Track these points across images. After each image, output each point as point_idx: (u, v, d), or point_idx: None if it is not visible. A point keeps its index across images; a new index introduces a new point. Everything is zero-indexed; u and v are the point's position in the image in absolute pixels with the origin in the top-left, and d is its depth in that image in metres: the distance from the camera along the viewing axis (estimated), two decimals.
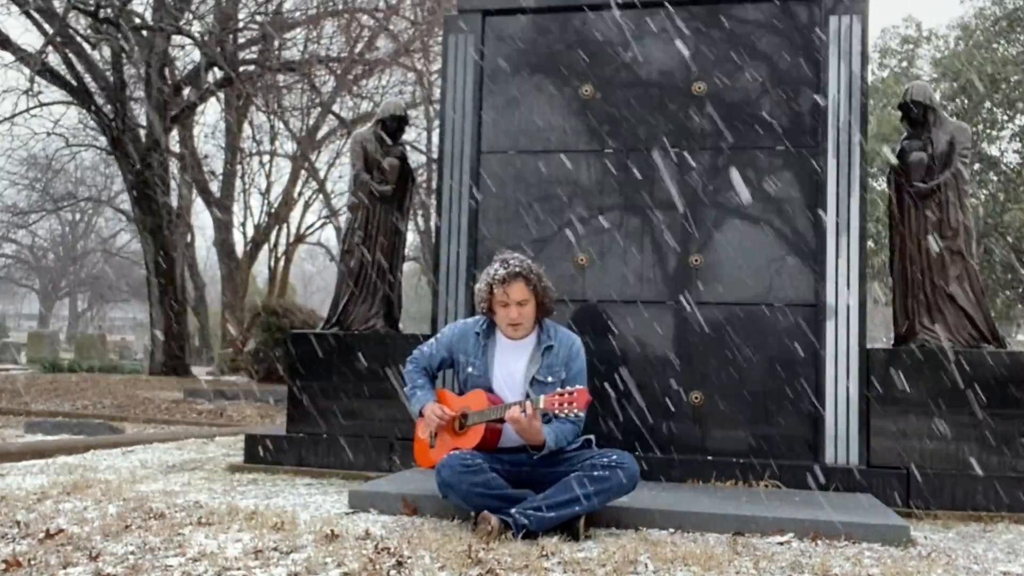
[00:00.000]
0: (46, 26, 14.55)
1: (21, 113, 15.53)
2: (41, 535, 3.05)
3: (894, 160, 4.76)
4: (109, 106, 15.32)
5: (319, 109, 20.19)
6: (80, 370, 16.92)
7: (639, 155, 4.74)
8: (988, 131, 15.21)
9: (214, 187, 21.54)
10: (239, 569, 2.71)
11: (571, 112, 4.85)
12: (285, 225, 23.74)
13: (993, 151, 15.37)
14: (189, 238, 21.96)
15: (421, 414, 3.73)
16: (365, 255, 5.22)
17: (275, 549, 2.93)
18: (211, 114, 38.22)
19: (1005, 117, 15.28)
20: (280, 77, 17.10)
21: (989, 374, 4.29)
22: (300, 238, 25.11)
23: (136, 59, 15.04)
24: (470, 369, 3.72)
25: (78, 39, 15.09)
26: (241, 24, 16.10)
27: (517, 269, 3.61)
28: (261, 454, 4.97)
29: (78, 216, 35.98)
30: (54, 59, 15.37)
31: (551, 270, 4.58)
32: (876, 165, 12.67)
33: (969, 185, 4.63)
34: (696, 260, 4.63)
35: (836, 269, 4.42)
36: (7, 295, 43.06)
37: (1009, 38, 14.95)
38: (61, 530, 3.12)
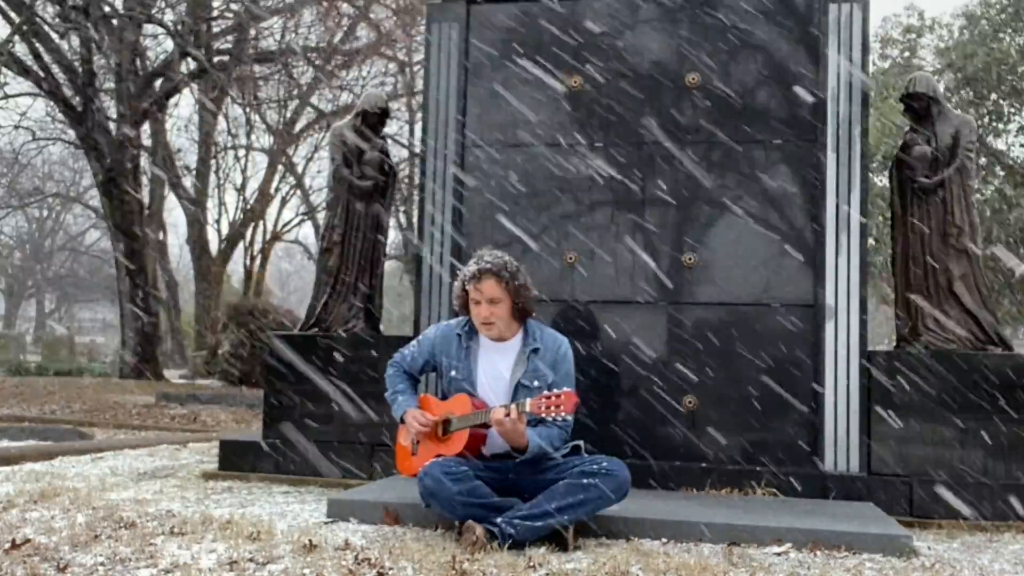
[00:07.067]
0: (12, 14, 14.27)
1: None
2: (7, 545, 3.00)
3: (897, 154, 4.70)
4: (78, 98, 15.07)
5: (297, 101, 20.09)
6: (48, 373, 16.72)
7: (630, 149, 4.66)
8: (994, 124, 15.12)
9: (187, 182, 21.31)
10: None
11: (559, 104, 4.78)
12: (261, 222, 23.59)
13: (999, 145, 15.32)
14: (161, 235, 21.74)
15: (402, 420, 3.67)
16: (344, 253, 5.13)
17: (251, 560, 2.90)
18: (184, 107, 37.91)
19: (1012, 110, 15.15)
20: (256, 68, 16.94)
21: (995, 377, 4.24)
22: (277, 236, 24.98)
23: (106, 49, 14.83)
24: (453, 372, 3.65)
25: (46, 28, 14.83)
26: (216, 13, 15.90)
27: (489, 266, 3.55)
28: (236, 461, 4.90)
29: (45, 212, 35.56)
30: (21, 49, 15.18)
31: (539, 269, 4.51)
32: (877, 159, 12.60)
33: (974, 180, 4.59)
34: (690, 259, 4.55)
35: (836, 268, 4.35)
36: None
37: (1016, 27, 14.78)
38: (28, 540, 3.07)
